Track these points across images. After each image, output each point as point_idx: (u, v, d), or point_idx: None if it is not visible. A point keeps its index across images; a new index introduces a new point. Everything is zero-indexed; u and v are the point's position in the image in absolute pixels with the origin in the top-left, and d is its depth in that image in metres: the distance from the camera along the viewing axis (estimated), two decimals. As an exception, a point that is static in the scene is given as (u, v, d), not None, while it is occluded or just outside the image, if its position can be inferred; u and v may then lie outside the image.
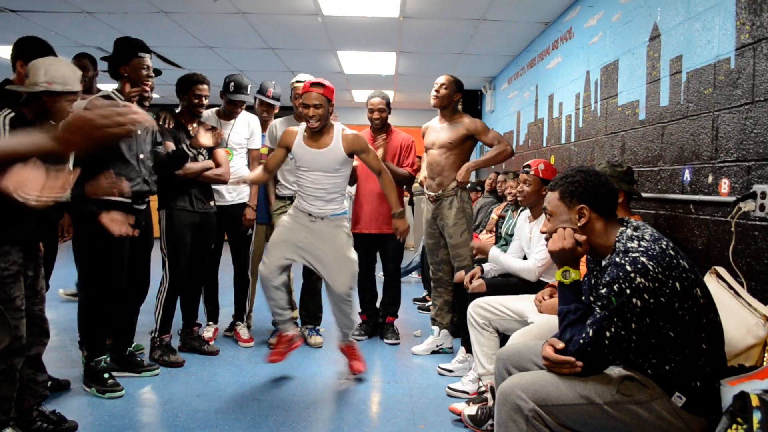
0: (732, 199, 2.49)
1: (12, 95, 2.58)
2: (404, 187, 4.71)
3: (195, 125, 3.87)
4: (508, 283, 3.33)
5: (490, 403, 2.85)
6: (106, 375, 3.28)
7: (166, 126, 3.75)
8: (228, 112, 4.23)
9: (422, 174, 4.33)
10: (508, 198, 5.06)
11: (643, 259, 1.79)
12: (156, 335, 3.82)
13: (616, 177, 2.78)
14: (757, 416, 1.56)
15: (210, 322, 4.39)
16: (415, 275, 6.85)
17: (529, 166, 3.40)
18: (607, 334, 1.80)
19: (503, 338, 3.02)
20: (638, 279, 1.76)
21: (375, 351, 4.29)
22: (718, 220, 2.66)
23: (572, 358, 1.87)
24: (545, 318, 2.77)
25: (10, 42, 3.03)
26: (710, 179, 2.73)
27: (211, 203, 3.97)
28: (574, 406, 1.84)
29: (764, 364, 1.97)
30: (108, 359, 3.38)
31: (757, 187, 2.37)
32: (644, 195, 3.29)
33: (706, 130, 2.78)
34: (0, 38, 5.97)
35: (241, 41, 6.26)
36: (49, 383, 2.99)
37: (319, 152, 3.43)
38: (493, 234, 5.41)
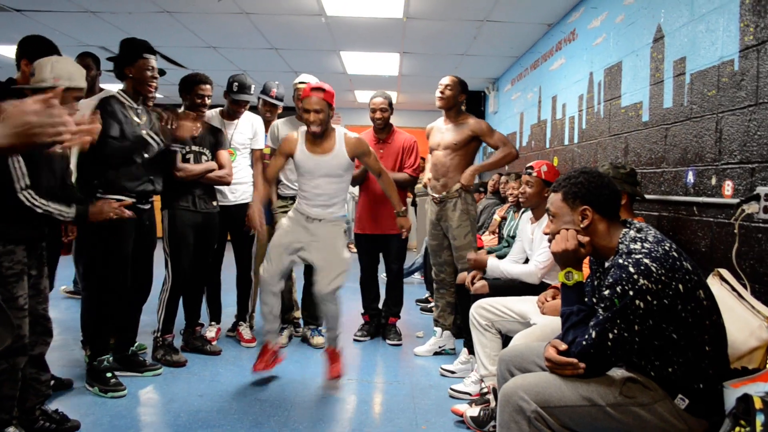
0: (735, 201, 2.48)
1: (17, 94, 2.59)
2: (407, 188, 4.71)
3: (198, 125, 3.87)
4: (511, 285, 3.33)
5: (493, 404, 2.85)
6: (109, 374, 3.28)
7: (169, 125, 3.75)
8: (231, 112, 4.23)
9: (426, 175, 4.33)
10: (510, 199, 5.06)
11: (646, 260, 1.79)
12: (158, 335, 3.82)
13: (619, 179, 2.78)
14: (760, 419, 1.55)
15: (212, 322, 4.39)
16: (417, 276, 6.85)
17: (531, 167, 3.40)
18: (610, 335, 1.80)
19: (506, 339, 3.02)
20: (641, 281, 1.76)
21: (377, 352, 4.29)
22: (722, 222, 2.65)
23: (575, 360, 1.86)
24: (548, 319, 2.77)
25: (14, 41, 3.04)
26: (714, 181, 2.73)
27: (214, 203, 3.98)
28: (576, 407, 1.84)
29: (767, 366, 1.97)
30: (111, 359, 3.38)
31: (761, 189, 2.36)
32: (647, 197, 3.29)
33: (710, 131, 2.78)
34: (4, 37, 6.00)
35: (245, 41, 6.27)
36: (52, 382, 2.99)
37: (322, 158, 3.41)
38: (496, 235, 5.42)
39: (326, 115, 3.34)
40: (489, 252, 4.70)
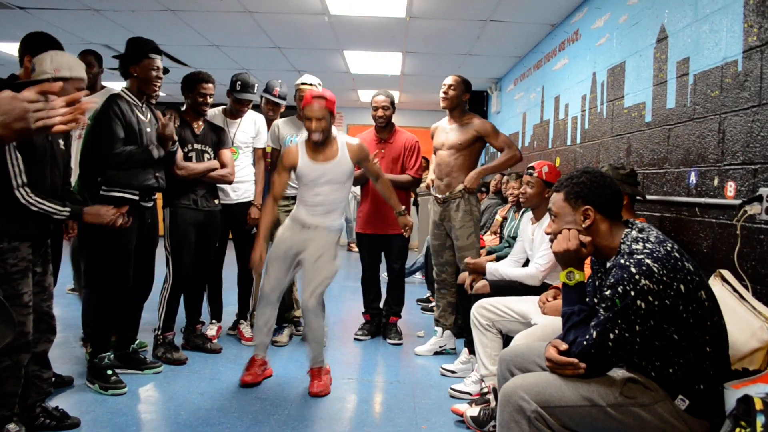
0: (738, 202, 2.48)
1: (18, 89, 2.59)
2: (409, 188, 4.70)
3: (200, 123, 3.89)
4: (512, 285, 3.32)
5: (493, 404, 2.84)
6: (110, 372, 3.29)
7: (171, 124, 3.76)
8: (234, 111, 4.23)
9: (429, 176, 4.32)
10: (510, 199, 5.06)
11: (648, 261, 1.79)
12: (159, 333, 3.83)
13: (618, 180, 2.77)
14: (760, 420, 1.55)
15: (213, 320, 4.40)
16: (418, 276, 6.85)
17: (533, 167, 3.39)
18: (611, 336, 1.79)
19: (506, 339, 3.02)
20: (643, 281, 1.76)
21: (378, 351, 4.29)
22: (724, 223, 2.64)
23: (575, 360, 1.86)
24: (549, 319, 2.77)
25: (17, 39, 3.04)
26: (716, 182, 2.72)
27: (216, 201, 3.98)
28: (576, 407, 1.84)
29: (768, 368, 1.96)
30: (111, 356, 3.39)
31: (764, 190, 2.35)
32: (650, 197, 3.28)
33: (713, 132, 2.77)
34: (7, 35, 6.01)
35: (248, 40, 6.27)
36: (53, 379, 3.00)
37: (326, 166, 3.39)
38: (497, 235, 5.42)
39: (328, 122, 3.33)
40: (490, 252, 4.71)
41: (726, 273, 2.35)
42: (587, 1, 4.59)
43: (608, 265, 1.98)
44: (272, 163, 4.25)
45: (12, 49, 6.33)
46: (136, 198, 3.28)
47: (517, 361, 2.20)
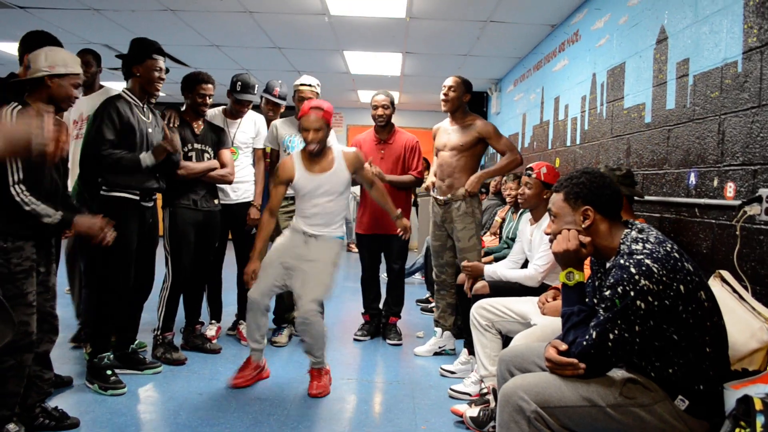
0: (737, 202, 2.48)
1: (18, 88, 2.59)
2: (410, 188, 4.70)
3: (200, 123, 3.89)
4: (511, 285, 3.32)
5: (492, 404, 2.84)
6: (109, 372, 3.28)
7: (172, 125, 3.76)
8: (235, 112, 4.23)
9: (430, 179, 4.31)
10: (508, 200, 5.06)
11: (647, 261, 1.79)
12: (159, 333, 3.82)
13: (615, 181, 2.77)
14: (760, 420, 1.55)
15: (213, 321, 4.40)
16: (418, 276, 6.85)
17: (531, 168, 3.39)
18: (611, 336, 1.79)
19: (506, 340, 3.02)
20: (642, 281, 1.76)
21: (377, 351, 4.29)
22: (723, 223, 2.65)
23: (575, 360, 1.86)
24: (548, 320, 2.77)
25: (17, 39, 3.04)
26: (716, 183, 2.72)
27: (216, 201, 3.98)
28: (576, 408, 1.84)
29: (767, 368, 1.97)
30: (111, 356, 3.38)
31: (763, 191, 2.36)
32: (649, 198, 3.29)
33: (713, 133, 2.77)
34: (7, 35, 6.01)
35: (248, 40, 6.27)
36: (53, 380, 2.99)
37: (323, 177, 3.39)
38: (497, 236, 5.42)
39: (325, 133, 3.32)
40: (488, 253, 4.71)
41: (725, 274, 2.36)
42: (587, 2, 4.59)
43: (608, 265, 1.98)
44: (272, 163, 4.25)
45: (12, 49, 6.33)
46: (137, 198, 3.28)
47: (517, 362, 2.20)
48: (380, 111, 4.37)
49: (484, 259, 4.18)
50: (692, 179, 2.93)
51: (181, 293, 3.94)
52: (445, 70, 6.63)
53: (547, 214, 2.20)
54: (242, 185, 4.23)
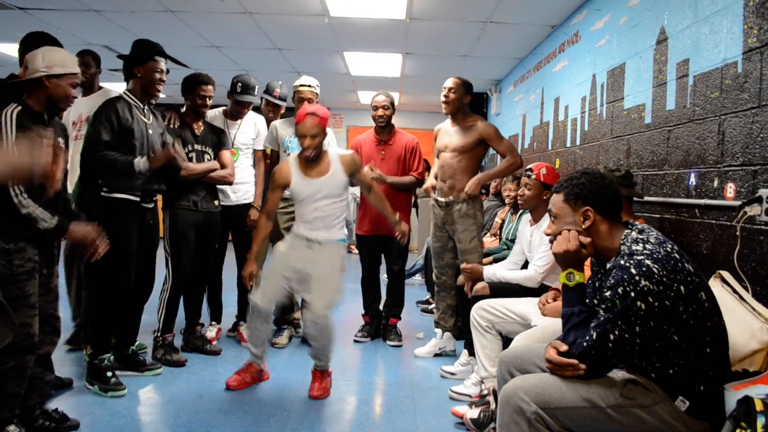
0: (737, 203, 2.48)
1: (17, 89, 2.59)
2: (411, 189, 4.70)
3: (200, 124, 3.89)
4: (512, 286, 3.32)
5: (493, 406, 2.84)
6: (109, 373, 3.28)
7: (172, 126, 3.77)
8: (235, 113, 4.24)
9: (430, 180, 4.31)
10: (507, 201, 5.06)
11: (648, 262, 1.78)
12: (159, 334, 3.82)
13: (614, 182, 2.77)
14: (761, 421, 1.55)
15: (213, 322, 4.39)
16: (418, 277, 6.85)
17: (531, 169, 3.39)
18: (611, 337, 1.79)
19: (506, 341, 3.01)
20: (643, 282, 1.75)
21: (377, 353, 4.29)
22: (724, 224, 2.64)
23: (575, 361, 1.86)
24: (548, 321, 2.77)
25: (17, 39, 3.04)
26: (716, 183, 2.72)
27: (216, 203, 3.98)
28: (576, 409, 1.84)
29: (768, 369, 1.96)
30: (111, 358, 3.38)
31: (763, 192, 2.36)
32: (649, 199, 3.28)
33: (713, 134, 2.77)
34: (7, 35, 6.00)
35: (248, 41, 6.27)
36: (53, 381, 2.99)
37: (320, 181, 3.39)
38: (497, 237, 5.41)
39: (321, 139, 3.34)
40: (488, 254, 4.70)
41: (726, 274, 2.35)
42: (587, 3, 4.59)
43: (608, 266, 1.98)
44: (272, 164, 4.24)
45: (12, 49, 6.33)
46: (137, 199, 3.29)
47: (517, 363, 2.20)
48: (380, 112, 4.37)
49: (483, 260, 4.18)
50: (692, 180, 2.93)
51: (182, 294, 3.93)
52: (445, 71, 6.62)
53: (546, 214, 2.20)
54: (242, 186, 4.23)
